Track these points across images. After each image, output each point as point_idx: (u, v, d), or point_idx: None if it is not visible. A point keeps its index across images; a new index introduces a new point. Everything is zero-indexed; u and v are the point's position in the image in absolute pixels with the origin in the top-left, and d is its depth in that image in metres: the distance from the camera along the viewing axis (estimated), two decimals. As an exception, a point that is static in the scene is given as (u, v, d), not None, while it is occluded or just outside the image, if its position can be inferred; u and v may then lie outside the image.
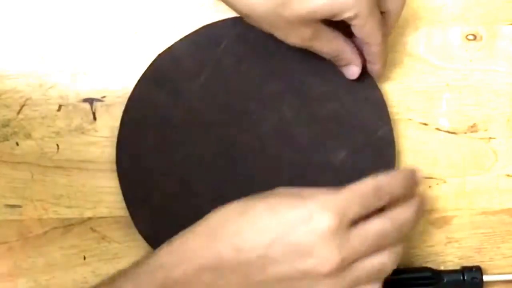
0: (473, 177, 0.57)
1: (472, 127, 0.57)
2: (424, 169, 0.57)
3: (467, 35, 0.57)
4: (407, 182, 0.49)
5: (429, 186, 0.57)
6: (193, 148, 0.55)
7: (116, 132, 0.55)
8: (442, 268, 0.57)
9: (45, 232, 0.57)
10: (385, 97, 0.56)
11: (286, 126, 0.55)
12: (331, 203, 0.46)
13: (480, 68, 0.57)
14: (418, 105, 0.57)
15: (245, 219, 0.47)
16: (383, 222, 0.47)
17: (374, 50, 0.52)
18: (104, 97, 0.56)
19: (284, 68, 0.55)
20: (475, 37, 0.56)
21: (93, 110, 0.56)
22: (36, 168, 0.56)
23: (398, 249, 0.49)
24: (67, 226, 0.56)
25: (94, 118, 0.56)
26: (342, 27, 0.50)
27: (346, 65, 0.53)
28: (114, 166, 0.55)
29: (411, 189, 0.49)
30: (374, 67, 0.53)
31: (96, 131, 0.56)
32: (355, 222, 0.46)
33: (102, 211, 0.56)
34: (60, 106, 0.56)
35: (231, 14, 0.55)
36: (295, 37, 0.50)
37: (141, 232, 0.55)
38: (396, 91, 0.57)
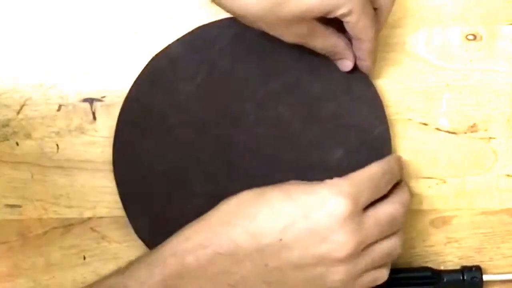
0: (473, 177, 0.57)
1: (472, 127, 0.57)
2: (424, 169, 0.57)
3: (467, 35, 0.56)
4: (401, 166, 0.51)
5: (429, 186, 0.57)
6: (190, 148, 0.55)
7: (116, 132, 0.55)
8: (442, 268, 0.57)
9: (45, 232, 0.57)
10: (384, 97, 0.56)
11: (283, 126, 0.55)
12: (344, 188, 0.47)
13: (480, 68, 0.57)
14: (418, 105, 0.57)
15: (260, 205, 0.47)
16: (394, 206, 0.49)
17: (366, 47, 0.52)
18: (104, 97, 0.56)
19: (280, 68, 0.55)
20: (475, 37, 0.56)
21: (93, 110, 0.56)
22: (36, 168, 0.56)
23: (402, 233, 0.50)
24: (67, 226, 0.57)
25: (94, 118, 0.56)
26: (335, 22, 0.50)
27: (340, 59, 0.54)
28: (114, 166, 0.55)
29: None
30: (364, 64, 0.54)
31: (96, 131, 0.56)
32: (366, 207, 0.47)
33: (102, 211, 0.56)
34: (60, 106, 0.56)
35: (230, 14, 0.55)
36: (291, 35, 0.50)
37: (138, 233, 0.55)
38: (396, 91, 0.57)
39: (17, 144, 0.56)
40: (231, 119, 0.55)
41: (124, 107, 0.55)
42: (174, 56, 0.55)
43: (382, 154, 0.55)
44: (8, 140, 0.56)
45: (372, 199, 0.48)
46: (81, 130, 0.56)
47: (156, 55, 0.55)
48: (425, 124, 0.57)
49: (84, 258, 0.57)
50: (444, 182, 0.57)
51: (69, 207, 0.56)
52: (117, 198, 0.55)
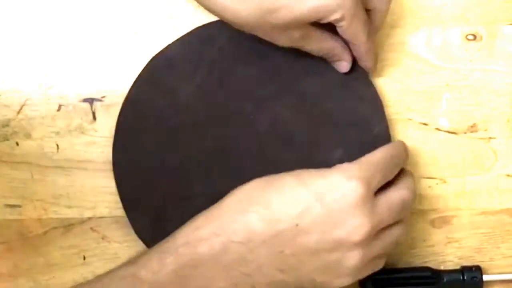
0: (473, 177, 0.57)
1: (472, 127, 0.57)
2: (424, 169, 0.57)
3: (467, 35, 0.56)
4: (407, 151, 0.51)
5: (429, 186, 0.57)
6: (189, 149, 0.55)
7: (116, 132, 0.55)
8: (442, 268, 0.57)
9: (45, 232, 0.57)
10: (384, 97, 0.56)
11: (282, 125, 0.55)
12: (356, 172, 0.47)
13: (480, 68, 0.57)
14: (418, 105, 0.57)
15: (273, 191, 0.47)
16: (402, 191, 0.49)
17: (360, 50, 0.52)
18: (104, 97, 0.56)
19: (279, 68, 0.55)
20: (475, 37, 0.56)
21: (93, 110, 0.56)
22: (36, 168, 0.56)
23: (407, 221, 0.51)
24: (67, 226, 0.56)
25: (94, 118, 0.56)
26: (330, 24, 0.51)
27: (337, 61, 0.54)
28: (114, 166, 0.55)
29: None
30: (364, 64, 0.54)
31: (96, 131, 0.56)
32: (376, 192, 0.48)
33: (102, 211, 0.56)
34: (60, 106, 0.56)
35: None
36: (285, 40, 0.51)
37: (138, 233, 0.55)
38: (396, 91, 0.57)
39: (17, 144, 0.56)
40: (230, 119, 0.55)
41: (124, 107, 0.55)
42: (174, 56, 0.55)
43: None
44: (8, 140, 0.56)
45: (383, 183, 0.48)
46: (81, 130, 0.56)
47: (156, 55, 0.55)
48: (425, 124, 0.57)
49: (84, 258, 0.57)
50: (444, 182, 0.57)
51: (69, 207, 0.56)
52: (117, 198, 0.55)
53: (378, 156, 0.49)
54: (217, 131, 0.55)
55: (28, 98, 0.56)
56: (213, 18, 0.55)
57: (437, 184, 0.57)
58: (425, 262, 0.57)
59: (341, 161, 0.55)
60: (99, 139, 0.56)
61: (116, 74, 0.56)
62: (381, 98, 0.55)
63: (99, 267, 0.56)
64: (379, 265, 0.51)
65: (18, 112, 0.56)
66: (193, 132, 0.55)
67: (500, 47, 0.56)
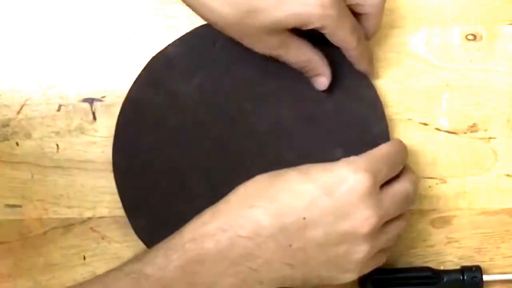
0: (473, 177, 0.57)
1: (472, 127, 0.57)
2: (424, 169, 0.57)
3: (467, 35, 0.56)
4: (406, 149, 0.51)
5: (429, 186, 0.57)
6: (189, 148, 0.55)
7: (116, 132, 0.55)
8: (442, 268, 0.57)
9: (45, 232, 0.57)
10: (384, 97, 0.56)
11: (282, 125, 0.55)
12: (362, 165, 0.47)
13: (480, 68, 0.57)
14: (418, 105, 0.57)
15: (280, 186, 0.47)
16: (406, 184, 0.49)
17: (351, 54, 0.52)
18: (104, 97, 0.56)
19: (279, 68, 0.55)
20: (475, 37, 0.56)
21: (93, 110, 0.56)
22: (36, 168, 0.56)
23: (408, 215, 0.51)
24: (67, 226, 0.56)
25: (94, 118, 0.56)
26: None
27: (315, 75, 0.53)
28: (114, 166, 0.55)
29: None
30: (359, 68, 0.54)
31: (96, 131, 0.56)
32: (381, 186, 0.48)
33: (102, 211, 0.56)
34: (60, 106, 0.56)
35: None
36: (262, 46, 0.50)
37: (138, 233, 0.55)
38: (396, 91, 0.57)
39: (17, 144, 0.56)
40: (230, 119, 0.55)
41: (124, 107, 0.55)
42: (174, 56, 0.55)
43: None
44: (8, 140, 0.56)
45: (389, 177, 0.49)
46: (81, 130, 0.56)
47: (156, 55, 0.55)
48: (425, 124, 0.57)
49: (84, 258, 0.57)
50: (444, 182, 0.57)
51: (69, 207, 0.56)
52: (117, 198, 0.55)
53: (384, 150, 0.49)
54: (217, 131, 0.55)
55: (28, 98, 0.56)
56: (213, 18, 0.55)
57: (437, 184, 0.57)
58: (425, 262, 0.57)
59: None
60: (99, 139, 0.56)
61: (116, 74, 0.56)
62: (381, 98, 0.55)
63: (99, 267, 0.56)
64: (382, 260, 0.51)
65: (18, 112, 0.56)
66: (193, 132, 0.55)
67: (500, 47, 0.56)
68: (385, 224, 0.48)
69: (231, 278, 0.47)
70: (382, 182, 0.48)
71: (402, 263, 0.57)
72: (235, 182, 0.55)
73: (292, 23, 0.48)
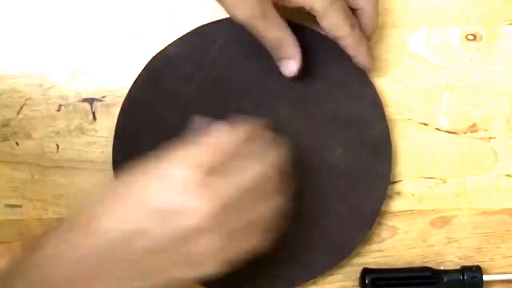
0: (473, 177, 0.57)
1: (472, 127, 0.57)
2: (424, 169, 0.57)
3: (467, 35, 0.56)
4: (259, 128, 0.49)
5: (429, 186, 0.57)
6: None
7: (116, 132, 0.55)
8: (442, 268, 0.57)
9: (45, 232, 0.57)
10: (384, 97, 0.56)
11: (282, 125, 0.55)
12: (183, 156, 0.45)
13: (480, 68, 0.57)
14: (418, 105, 0.57)
15: (106, 203, 0.45)
16: (250, 167, 0.47)
17: (344, 43, 0.51)
18: (104, 97, 0.56)
19: (279, 68, 0.55)
20: (475, 37, 0.56)
21: (93, 110, 0.56)
22: (36, 168, 0.56)
23: (277, 198, 0.48)
24: (67, 226, 0.56)
25: (94, 118, 0.56)
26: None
27: (286, 58, 0.52)
28: (114, 166, 0.55)
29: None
30: (357, 61, 0.53)
31: (96, 131, 0.56)
32: (218, 171, 0.45)
33: (102, 211, 0.56)
34: (60, 106, 0.56)
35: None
36: (242, 12, 0.49)
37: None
38: (396, 91, 0.57)
39: (17, 144, 0.56)
40: (230, 119, 0.55)
41: (124, 107, 0.55)
42: (174, 56, 0.55)
43: (381, 153, 0.55)
44: (8, 140, 0.56)
45: (221, 161, 0.46)
46: (81, 130, 0.56)
47: (156, 55, 0.55)
48: (425, 124, 0.57)
49: (84, 258, 0.56)
50: (444, 182, 0.57)
51: (69, 207, 0.56)
52: (117, 198, 0.55)
53: (214, 135, 0.47)
54: (217, 131, 0.55)
55: (28, 98, 0.56)
56: (213, 18, 0.55)
57: (437, 184, 0.57)
58: (425, 262, 0.57)
59: (341, 160, 0.55)
60: (99, 139, 0.56)
61: (116, 74, 0.56)
62: (381, 98, 0.55)
63: (99, 267, 0.56)
64: (253, 241, 0.48)
65: (18, 112, 0.56)
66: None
67: (500, 47, 0.56)
68: (232, 209, 0.45)
69: None
70: (213, 168, 0.45)
71: (402, 263, 0.57)
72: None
73: None
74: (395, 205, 0.57)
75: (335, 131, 0.55)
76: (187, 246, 0.45)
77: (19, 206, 0.56)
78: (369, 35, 0.53)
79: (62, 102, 0.56)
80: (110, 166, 0.55)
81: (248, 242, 0.48)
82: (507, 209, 0.57)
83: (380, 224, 0.57)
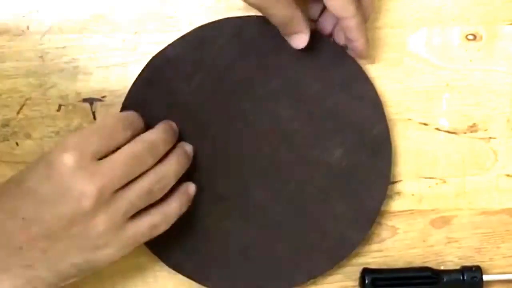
0: (473, 177, 0.57)
1: (472, 127, 0.57)
2: (424, 169, 0.57)
3: (467, 35, 0.56)
4: (137, 118, 0.51)
5: (429, 186, 0.57)
6: (190, 148, 0.55)
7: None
8: (442, 268, 0.57)
9: (45, 232, 0.56)
10: (384, 97, 0.56)
11: (282, 125, 0.55)
12: (66, 144, 0.47)
13: (480, 68, 0.57)
14: (418, 105, 0.57)
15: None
16: (131, 145, 0.48)
17: (350, 24, 0.51)
18: (104, 97, 0.56)
19: (279, 67, 0.55)
20: (475, 37, 0.56)
21: (93, 110, 0.56)
22: (36, 168, 0.56)
23: (162, 170, 0.50)
24: (67, 226, 0.56)
25: (94, 118, 0.56)
26: None
27: (296, 33, 0.52)
28: (114, 166, 0.55)
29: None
30: (355, 44, 0.53)
31: (96, 131, 0.56)
32: (103, 154, 0.47)
33: (102, 211, 0.56)
34: (60, 106, 0.56)
35: (231, 13, 0.55)
36: None
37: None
38: (396, 91, 0.57)
39: (17, 144, 0.56)
40: (230, 118, 0.55)
41: (124, 107, 0.55)
42: (174, 56, 0.55)
43: (381, 153, 0.55)
44: (8, 140, 0.56)
45: (106, 146, 0.47)
46: (81, 130, 0.56)
47: (156, 55, 0.55)
48: (425, 124, 0.57)
49: (84, 258, 0.56)
50: (444, 182, 0.57)
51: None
52: (117, 198, 0.55)
53: (99, 122, 0.50)
54: (216, 131, 0.55)
55: (28, 98, 0.56)
56: (213, 18, 0.55)
57: (437, 184, 0.57)
58: (425, 262, 0.57)
59: (341, 160, 0.55)
60: (99, 139, 0.56)
61: (116, 74, 0.56)
62: (381, 98, 0.55)
63: (99, 267, 0.56)
64: (157, 224, 0.50)
65: (18, 112, 0.56)
66: (192, 132, 0.55)
67: (500, 47, 0.56)
68: (121, 188, 0.47)
69: None
70: (97, 153, 0.47)
71: (402, 263, 0.57)
72: (234, 182, 0.55)
73: None
74: (395, 205, 0.57)
75: (335, 131, 0.55)
76: (82, 229, 0.46)
77: (19, 206, 0.56)
78: (365, 17, 0.53)
79: (62, 102, 0.56)
80: (110, 166, 0.55)
81: (146, 221, 0.49)
82: (507, 209, 0.57)
83: (380, 224, 0.57)
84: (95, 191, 0.46)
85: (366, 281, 0.55)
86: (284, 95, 0.55)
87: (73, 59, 0.56)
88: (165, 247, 0.55)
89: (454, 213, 0.57)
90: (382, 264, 0.57)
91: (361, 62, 0.55)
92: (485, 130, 0.57)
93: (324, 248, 0.55)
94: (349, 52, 0.55)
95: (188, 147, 0.53)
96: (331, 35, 0.55)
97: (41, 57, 0.56)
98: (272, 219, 0.55)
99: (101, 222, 0.46)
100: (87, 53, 0.56)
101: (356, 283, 0.56)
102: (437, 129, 0.57)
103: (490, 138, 0.57)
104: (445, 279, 0.55)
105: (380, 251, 0.57)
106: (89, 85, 0.56)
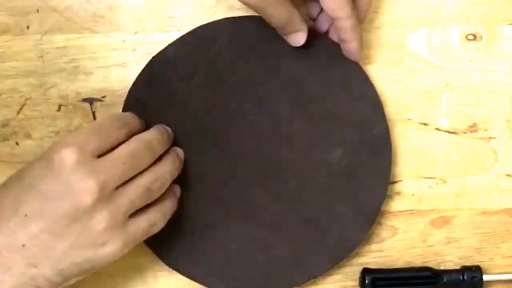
0: (473, 177, 0.57)
1: (472, 127, 0.57)
2: (424, 169, 0.57)
3: (467, 35, 0.57)
4: (135, 118, 0.52)
5: (429, 186, 0.57)
6: (189, 148, 0.55)
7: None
8: (442, 268, 0.57)
9: (45, 232, 0.56)
10: (384, 97, 0.56)
11: (282, 125, 0.55)
12: (66, 141, 0.47)
13: (480, 68, 0.57)
14: (418, 105, 0.57)
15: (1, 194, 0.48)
16: (129, 143, 0.49)
17: (344, 25, 0.51)
18: (104, 97, 0.56)
19: (279, 68, 0.55)
20: (475, 37, 0.56)
21: (93, 110, 0.56)
22: (36, 168, 0.56)
23: (159, 169, 0.50)
24: (67, 226, 0.56)
25: (94, 118, 0.56)
26: None
27: (294, 32, 0.53)
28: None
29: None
30: (350, 46, 0.53)
31: (96, 131, 0.56)
32: (102, 151, 0.48)
33: (102, 211, 0.56)
34: (60, 106, 0.56)
35: (231, 14, 0.55)
36: None
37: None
38: (396, 91, 0.57)
39: (17, 144, 0.56)
40: (230, 119, 0.55)
41: (124, 107, 0.55)
42: (174, 56, 0.55)
43: (381, 153, 0.55)
44: (8, 140, 0.56)
45: (103, 144, 0.48)
46: (81, 130, 0.56)
47: (156, 55, 0.55)
48: (425, 124, 0.57)
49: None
50: (444, 182, 0.57)
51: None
52: (117, 198, 0.55)
53: (97, 121, 0.50)
54: (216, 131, 0.55)
55: (28, 98, 0.56)
56: (213, 18, 0.55)
57: (437, 184, 0.57)
58: (425, 262, 0.57)
59: (341, 160, 0.55)
60: (99, 139, 0.56)
61: (116, 74, 0.56)
62: (381, 98, 0.55)
63: (99, 267, 0.56)
64: (156, 221, 0.50)
65: (18, 112, 0.56)
66: (192, 132, 0.55)
67: (500, 47, 0.56)
68: (123, 185, 0.48)
69: None
70: (96, 150, 0.47)
71: (402, 263, 0.57)
72: (234, 182, 0.55)
73: None
74: (395, 205, 0.57)
75: (335, 131, 0.55)
76: (84, 226, 0.46)
77: (19, 206, 0.56)
78: (361, 18, 0.53)
79: (62, 102, 0.56)
80: (110, 166, 0.55)
81: (145, 219, 0.50)
82: (507, 209, 0.57)
83: (380, 224, 0.57)
84: (96, 187, 0.46)
85: (366, 281, 0.55)
86: (284, 95, 0.55)
87: (73, 59, 0.56)
88: (165, 247, 0.55)
89: (454, 213, 0.57)
90: (382, 264, 0.57)
91: (361, 62, 0.55)
92: (485, 130, 0.57)
93: (324, 248, 0.55)
94: (343, 53, 0.54)
95: (180, 151, 0.54)
96: (327, 33, 0.55)
97: (41, 57, 0.56)
98: (272, 219, 0.55)
99: (102, 219, 0.47)
100: (87, 53, 0.56)
101: (356, 283, 0.56)
102: (437, 129, 0.57)
103: (490, 138, 0.57)
104: (445, 279, 0.55)
105: (380, 251, 0.57)
106: (89, 85, 0.56)
